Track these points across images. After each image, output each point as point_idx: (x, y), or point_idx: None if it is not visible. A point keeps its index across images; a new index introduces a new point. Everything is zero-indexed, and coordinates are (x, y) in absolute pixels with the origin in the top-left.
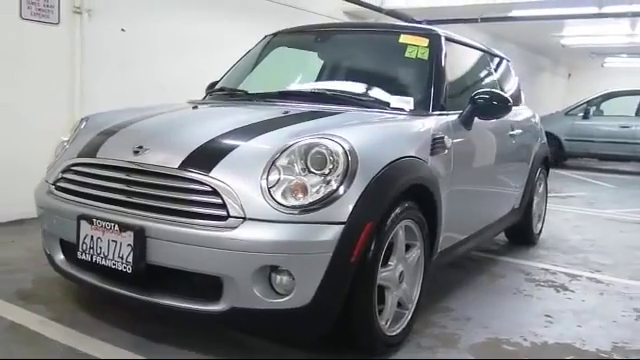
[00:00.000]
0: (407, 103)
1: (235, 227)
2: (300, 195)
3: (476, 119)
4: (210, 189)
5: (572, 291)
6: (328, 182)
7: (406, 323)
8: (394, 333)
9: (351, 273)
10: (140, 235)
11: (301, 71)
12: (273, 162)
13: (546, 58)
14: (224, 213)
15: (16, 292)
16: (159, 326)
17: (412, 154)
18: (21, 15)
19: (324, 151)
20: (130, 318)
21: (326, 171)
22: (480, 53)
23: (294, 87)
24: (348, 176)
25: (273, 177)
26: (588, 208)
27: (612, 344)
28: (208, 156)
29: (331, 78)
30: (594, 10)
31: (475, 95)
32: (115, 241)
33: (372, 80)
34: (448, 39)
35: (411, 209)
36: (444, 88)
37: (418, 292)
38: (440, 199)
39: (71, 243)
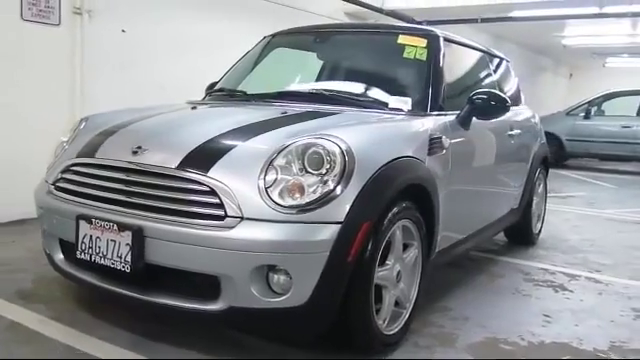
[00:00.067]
0: (405, 103)
1: (233, 227)
2: (297, 195)
3: (475, 119)
4: (208, 189)
5: (571, 291)
6: (325, 182)
7: (404, 322)
8: (391, 332)
9: (348, 272)
10: (138, 235)
11: (300, 72)
12: (270, 162)
13: (547, 58)
14: (222, 213)
15: (16, 291)
16: (158, 325)
17: (409, 154)
18: (22, 16)
19: (321, 151)
20: (129, 317)
21: (323, 171)
22: (479, 53)
23: (293, 87)
24: (345, 176)
25: (270, 177)
26: (588, 208)
27: (609, 343)
28: (206, 156)
29: (330, 78)
30: (595, 10)
31: (473, 95)
32: (114, 241)
33: (370, 80)
34: (446, 40)
35: (408, 209)
36: (442, 88)
37: (416, 291)
38: (438, 199)
39: (70, 243)
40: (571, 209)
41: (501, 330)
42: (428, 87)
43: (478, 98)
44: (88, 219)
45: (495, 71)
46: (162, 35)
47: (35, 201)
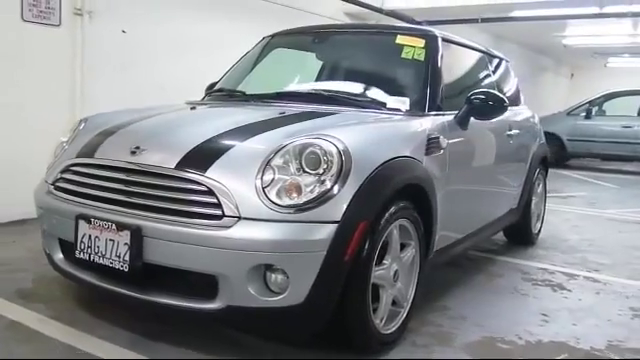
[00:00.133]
0: (403, 103)
1: (230, 226)
2: (294, 195)
3: (473, 119)
4: (206, 189)
5: (569, 290)
6: (322, 182)
7: (401, 321)
8: (389, 331)
9: (345, 272)
10: (137, 234)
11: (299, 72)
12: (268, 162)
13: (548, 58)
14: (219, 212)
15: (16, 291)
16: (157, 325)
17: (407, 154)
18: (22, 17)
19: (318, 151)
20: (129, 317)
21: (320, 171)
22: (478, 54)
23: (291, 88)
24: (342, 176)
25: (268, 177)
26: (588, 208)
27: (607, 342)
28: (204, 156)
29: (328, 79)
30: (595, 10)
31: (471, 95)
32: (112, 240)
33: (369, 81)
34: (445, 40)
35: (406, 209)
36: (440, 89)
37: (413, 291)
38: (435, 199)
39: (70, 242)
40: (572, 209)
41: (499, 329)
42: (426, 87)
43: (476, 98)
44: (87, 219)
45: (494, 71)
46: (162, 36)
47: (35, 201)
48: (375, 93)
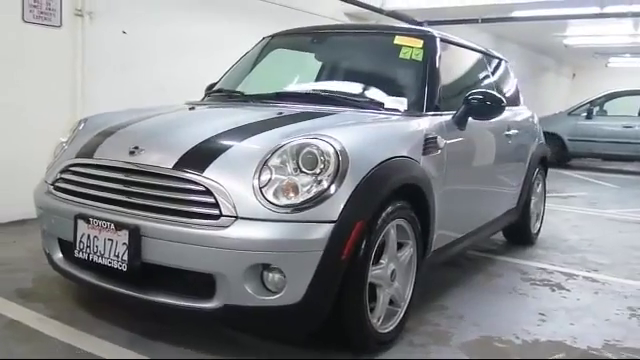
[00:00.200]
0: (401, 104)
1: (227, 226)
2: (291, 194)
3: (472, 119)
4: (203, 189)
5: (568, 290)
6: (319, 182)
7: (398, 321)
8: (386, 330)
9: (342, 271)
10: (135, 234)
11: (298, 72)
12: (265, 162)
13: (550, 58)
14: (217, 212)
15: (16, 291)
16: (156, 324)
17: (404, 154)
18: (23, 18)
19: (315, 151)
20: (128, 316)
21: (317, 171)
22: (477, 54)
23: (290, 88)
24: (339, 176)
25: (265, 177)
26: (589, 208)
27: (604, 342)
28: (202, 156)
29: (327, 79)
30: (596, 10)
31: (469, 95)
32: (111, 240)
33: (367, 81)
34: (443, 40)
35: (403, 208)
36: (438, 89)
37: (411, 290)
38: (433, 199)
39: (69, 242)
40: (572, 209)
41: (496, 329)
42: (424, 87)
43: (474, 98)
44: (86, 218)
45: (493, 72)
46: (162, 36)
47: (34, 201)
48: (373, 93)
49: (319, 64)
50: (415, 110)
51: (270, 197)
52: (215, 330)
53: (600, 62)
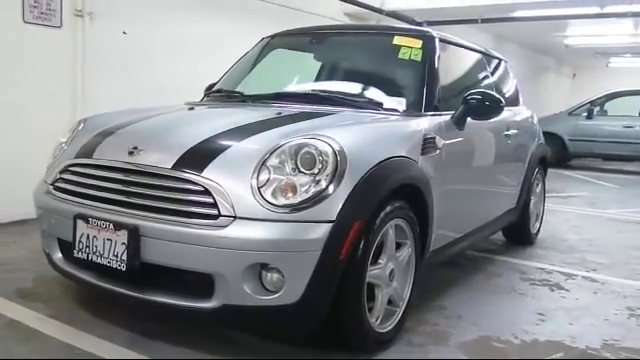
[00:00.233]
0: (400, 104)
1: (226, 226)
2: (290, 194)
3: (471, 119)
4: (202, 188)
5: (567, 290)
6: (317, 182)
7: (397, 320)
8: (385, 330)
9: (340, 271)
10: (134, 234)
11: (298, 73)
12: (263, 162)
13: (550, 58)
14: (215, 212)
15: (16, 290)
16: (156, 324)
17: (402, 154)
18: (24, 19)
19: (313, 151)
20: (128, 316)
21: (315, 171)
22: (476, 54)
23: (289, 89)
24: (337, 176)
25: (263, 177)
26: (589, 208)
27: (602, 342)
28: (201, 156)
29: (326, 79)
30: (596, 10)
31: (467, 96)
32: (110, 240)
33: (366, 81)
34: (442, 40)
35: (401, 208)
36: (437, 89)
37: (409, 290)
38: (431, 199)
39: (68, 242)
40: (572, 209)
41: (495, 328)
42: (423, 88)
43: (472, 98)
44: (85, 218)
45: (493, 72)
46: (162, 37)
47: (34, 201)
48: (372, 93)
49: (318, 64)
50: (414, 110)
51: (268, 197)
52: (214, 330)
53: (601, 62)
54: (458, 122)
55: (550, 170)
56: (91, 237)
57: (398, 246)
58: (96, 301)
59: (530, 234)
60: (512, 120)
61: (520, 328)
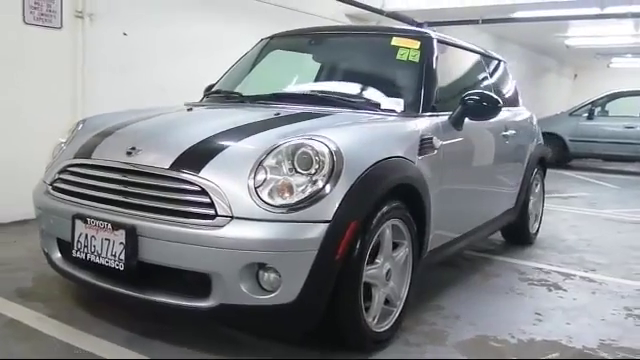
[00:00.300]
0: (397, 104)
1: (223, 226)
2: (286, 194)
3: (469, 120)
4: (199, 189)
5: (564, 290)
6: (314, 182)
7: (394, 320)
8: (382, 330)
9: (336, 270)
10: (132, 233)
11: (296, 73)
12: (260, 162)
13: (551, 59)
14: (212, 212)
15: (16, 290)
16: (155, 323)
17: (399, 154)
18: (24, 20)
19: (310, 152)
20: (127, 315)
21: (312, 171)
22: (475, 55)
23: (287, 89)
24: (333, 176)
25: (260, 177)
26: (588, 208)
27: (599, 341)
28: (198, 157)
29: (325, 80)
30: (596, 11)
31: (465, 96)
32: (108, 239)
33: (364, 82)
34: (441, 41)
35: (398, 208)
36: (435, 90)
37: (407, 290)
38: (429, 199)
39: (67, 242)
40: (572, 209)
41: (492, 328)
42: (420, 88)
43: (470, 99)
44: (83, 218)
45: (492, 73)
46: (162, 38)
47: (33, 201)
48: (370, 94)
49: (317, 65)
50: (411, 111)
51: (265, 197)
52: (213, 329)
53: (602, 63)
54: (456, 123)
55: (551, 171)
56: (89, 237)
57: (395, 246)
58: (95, 301)
59: (529, 234)
60: (511, 120)
61: (517, 328)
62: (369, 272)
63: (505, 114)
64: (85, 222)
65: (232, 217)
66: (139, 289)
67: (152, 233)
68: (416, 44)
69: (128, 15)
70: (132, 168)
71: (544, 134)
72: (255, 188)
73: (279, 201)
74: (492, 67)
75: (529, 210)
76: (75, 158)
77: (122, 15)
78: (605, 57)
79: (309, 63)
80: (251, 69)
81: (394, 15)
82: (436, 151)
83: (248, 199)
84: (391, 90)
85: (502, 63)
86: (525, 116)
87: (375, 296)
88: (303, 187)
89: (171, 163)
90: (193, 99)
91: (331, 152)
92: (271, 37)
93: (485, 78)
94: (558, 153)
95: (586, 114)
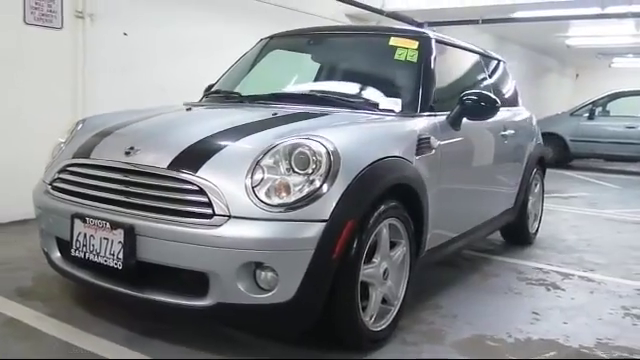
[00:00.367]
0: (395, 104)
1: (220, 225)
2: (284, 194)
3: (467, 120)
4: (197, 188)
5: (563, 289)
6: (311, 181)
7: (391, 319)
8: (379, 329)
9: (333, 269)
10: (130, 233)
11: (296, 73)
12: (257, 162)
13: (552, 59)
14: (210, 211)
15: (15, 289)
16: (154, 322)
17: (396, 154)
18: (25, 20)
19: (307, 151)
20: (126, 315)
21: (309, 171)
22: (474, 55)
23: (286, 89)
24: (330, 175)
25: (257, 176)
26: (589, 208)
27: (596, 341)
28: (196, 156)
29: (323, 80)
30: (597, 11)
31: (463, 96)
32: (106, 238)
33: (362, 82)
34: (439, 41)
35: (395, 208)
36: (433, 90)
37: (404, 289)
38: (426, 199)
39: (66, 241)
40: (572, 209)
41: (489, 327)
42: (418, 88)
43: (468, 99)
44: (82, 218)
45: (491, 73)
46: (162, 38)
47: (33, 201)
48: (368, 94)
49: (316, 65)
50: (409, 111)
51: (262, 196)
52: (211, 328)
53: (603, 62)
54: (454, 122)
55: (552, 171)
56: (88, 236)
57: (393, 245)
58: (94, 300)
59: (528, 234)
60: (510, 120)
61: (515, 327)
62: (366, 271)
63: (504, 114)
64: (84, 221)
65: (229, 216)
66: (138, 288)
67: (150, 232)
68: (414, 44)
69: (128, 15)
70: (130, 168)
71: (545, 134)
72: (252, 187)
73: (276, 200)
74: (491, 67)
75: (528, 210)
76: (74, 158)
77: (122, 15)
78: (606, 57)
79: (308, 63)
80: (250, 69)
81: (394, 15)
82: (434, 151)
83: (245, 198)
84: (389, 90)
85: (501, 63)
86: (524, 116)
87: (372, 295)
88: (300, 187)
89: (169, 163)
90: (193, 99)
91: (328, 152)
92: (270, 37)
93: (484, 78)
94: (559, 153)
95: (587, 114)
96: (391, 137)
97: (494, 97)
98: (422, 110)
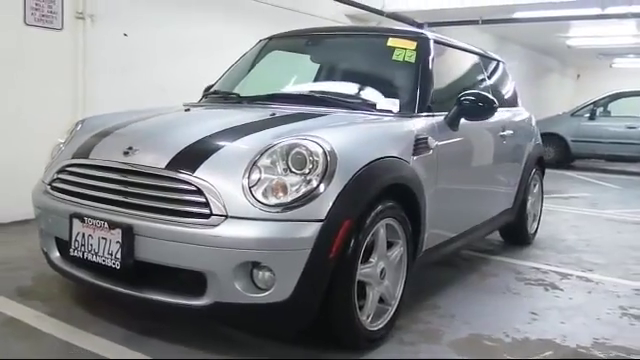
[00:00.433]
0: (393, 105)
1: (217, 225)
2: (280, 194)
3: (465, 120)
4: (194, 188)
5: (561, 289)
6: (308, 181)
7: (389, 319)
8: (376, 328)
9: (330, 269)
10: (128, 232)
11: (294, 74)
12: (254, 162)
13: (553, 59)
14: (207, 211)
15: (15, 289)
16: (152, 322)
17: (394, 154)
18: (25, 21)
19: (304, 152)
20: (125, 314)
21: (306, 171)
22: (473, 55)
23: (284, 90)
24: (327, 175)
25: (254, 176)
26: (589, 208)
27: (593, 340)
28: (194, 156)
29: (322, 81)
30: (597, 11)
31: (461, 97)
32: (105, 238)
33: (360, 82)
34: (438, 42)
35: (393, 208)
36: (431, 90)
37: (401, 289)
38: (423, 199)
39: (65, 241)
40: (572, 209)
41: (486, 327)
42: (416, 89)
43: (466, 99)
44: (81, 217)
45: (490, 73)
46: (162, 38)
47: (32, 201)
48: (366, 95)
49: (315, 66)
50: (407, 111)
51: (259, 196)
52: (209, 327)
53: (604, 63)
54: (451, 123)
55: (552, 171)
56: (86, 236)
57: (390, 245)
58: (93, 299)
59: (527, 234)
60: (509, 121)
61: (512, 327)
62: (363, 271)
63: (503, 114)
64: (82, 221)
65: (227, 216)
66: (136, 287)
67: (148, 232)
68: (412, 45)
69: (128, 16)
70: (128, 168)
71: (546, 134)
72: (249, 187)
73: (273, 200)
74: (490, 68)
75: (527, 210)
76: (73, 158)
77: (122, 16)
78: (607, 57)
79: (307, 64)
80: (249, 70)
81: (394, 16)
82: (431, 151)
83: (242, 198)
84: (387, 90)
85: (501, 64)
86: (523, 116)
87: (369, 295)
88: (297, 187)
89: (167, 163)
90: (193, 99)
91: (325, 152)
92: (269, 38)
93: (483, 79)
94: (560, 154)
95: (588, 114)
96: (388, 137)
97: (492, 97)
98: (420, 110)
